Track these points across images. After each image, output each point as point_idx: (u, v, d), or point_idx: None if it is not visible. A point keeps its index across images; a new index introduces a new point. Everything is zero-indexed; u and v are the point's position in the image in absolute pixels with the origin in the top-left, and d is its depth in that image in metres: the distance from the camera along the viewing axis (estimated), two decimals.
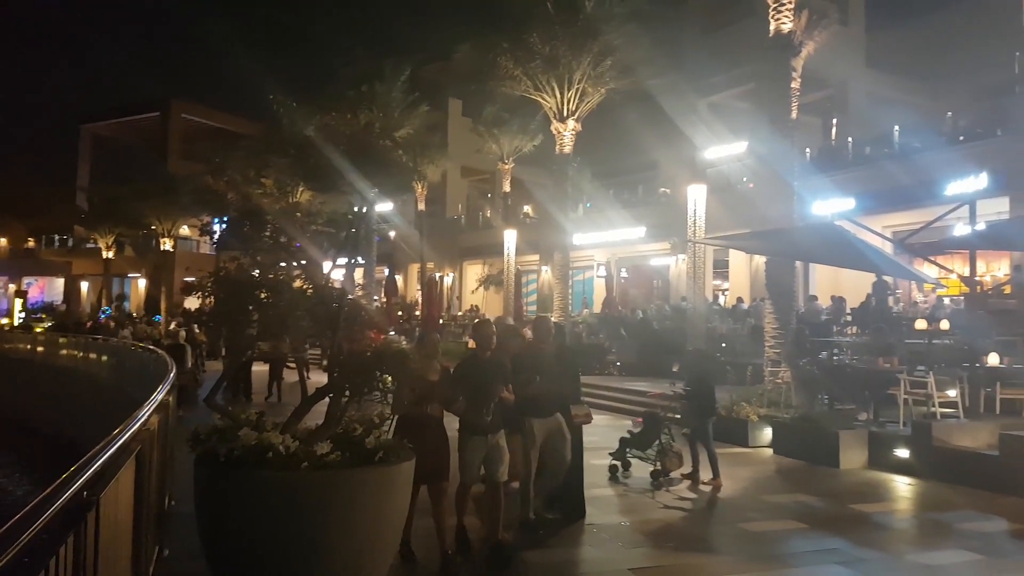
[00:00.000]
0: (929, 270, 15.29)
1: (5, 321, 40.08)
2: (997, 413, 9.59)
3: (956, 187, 16.31)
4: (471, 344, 16.30)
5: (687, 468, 8.41)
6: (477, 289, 33.96)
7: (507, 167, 28.78)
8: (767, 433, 10.64)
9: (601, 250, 28.45)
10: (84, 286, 47.45)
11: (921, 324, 11.34)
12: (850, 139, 21.75)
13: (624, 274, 30.09)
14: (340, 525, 4.26)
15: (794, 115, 13.28)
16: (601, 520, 6.69)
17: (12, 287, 46.15)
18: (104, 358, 18.43)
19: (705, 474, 8.27)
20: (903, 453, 9.01)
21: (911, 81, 25.07)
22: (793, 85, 13.14)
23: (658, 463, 8.39)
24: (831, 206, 18.42)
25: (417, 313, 28.08)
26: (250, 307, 5.09)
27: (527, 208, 32.43)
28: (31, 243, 50.51)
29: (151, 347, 15.37)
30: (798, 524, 6.78)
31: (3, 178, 51.02)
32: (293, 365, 14.91)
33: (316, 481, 4.29)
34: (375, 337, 7.38)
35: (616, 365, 19.08)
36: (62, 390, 20.22)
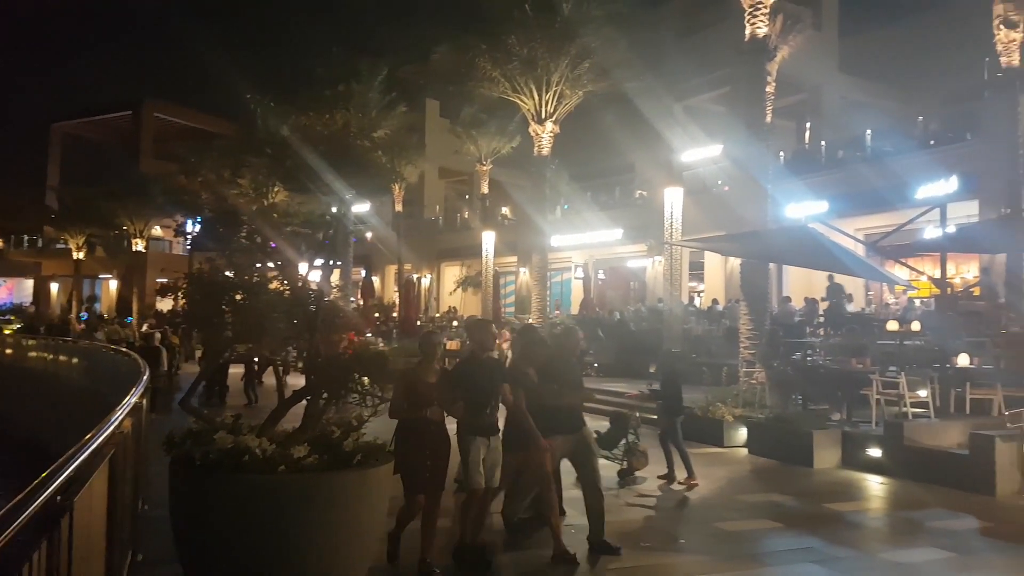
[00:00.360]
0: (900, 272, 15.55)
1: None
2: (967, 413, 9.76)
3: (927, 190, 16.61)
4: (450, 345, 16.29)
5: (663, 469, 8.46)
6: (455, 291, 33.90)
7: (485, 168, 28.79)
8: (742, 433, 10.74)
9: (579, 252, 28.55)
10: (54, 287, 46.70)
11: (893, 325, 11.52)
12: (823, 143, 22.05)
13: (602, 276, 30.21)
14: (318, 529, 4.24)
15: (769, 119, 13.44)
16: (577, 521, 6.70)
17: None
18: (76, 360, 18.14)
19: (680, 474, 8.34)
20: (875, 452, 9.15)
21: (883, 86, 25.48)
22: (768, 89, 13.29)
23: (625, 462, 8.43)
24: (804, 209, 18.66)
25: (394, 315, 27.96)
26: (225, 309, 5.05)
27: (505, 210, 32.45)
28: None
29: (124, 349, 15.14)
30: (773, 523, 6.85)
31: None
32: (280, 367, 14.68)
33: (293, 485, 4.27)
34: (352, 339, 7.34)
35: (593, 366, 19.15)
36: (33, 393, 19.86)
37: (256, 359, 14.71)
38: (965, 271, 18.36)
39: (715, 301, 22.28)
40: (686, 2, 26.79)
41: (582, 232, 27.03)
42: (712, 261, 24.63)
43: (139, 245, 38.58)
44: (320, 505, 4.28)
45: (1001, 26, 14.58)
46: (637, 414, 9.08)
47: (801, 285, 19.55)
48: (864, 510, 7.67)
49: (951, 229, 12.97)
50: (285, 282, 5.25)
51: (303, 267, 5.68)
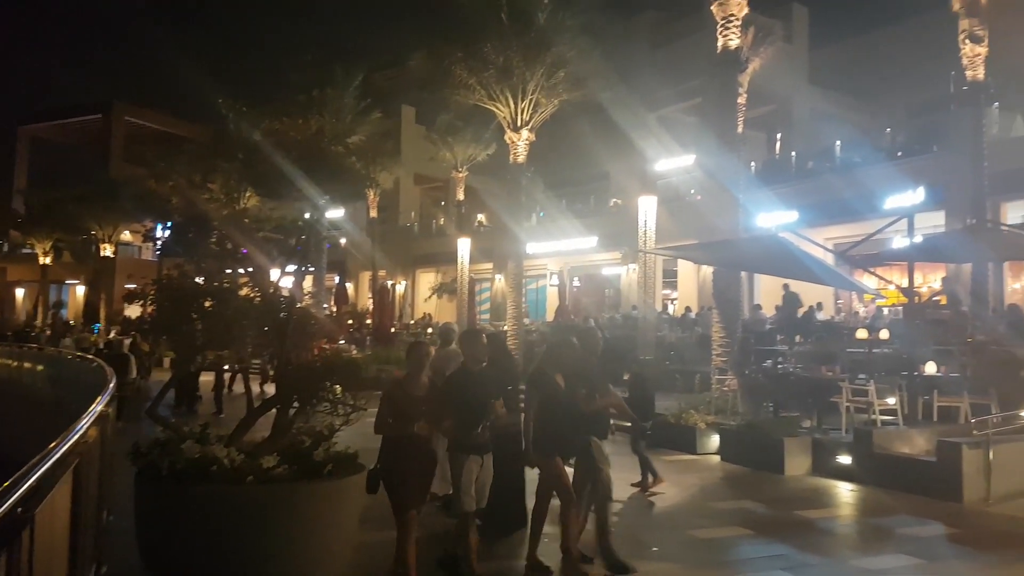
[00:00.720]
0: (869, 281, 15.78)
1: None
2: (934, 420, 9.92)
3: (894, 201, 16.91)
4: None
5: (636, 477, 8.46)
6: (430, 297, 33.81)
7: (461, 175, 28.78)
8: (715, 440, 10.79)
9: (554, 259, 28.64)
10: (19, 293, 45.73)
11: (862, 333, 11.69)
12: (793, 153, 22.39)
13: (576, 283, 30.33)
14: (287, 541, 4.18)
15: (740, 129, 13.59)
16: (547, 529, 6.66)
17: None
18: (41, 368, 17.76)
19: (645, 479, 8.31)
20: (845, 459, 9.25)
21: (851, 98, 25.96)
22: (739, 100, 13.45)
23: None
24: (775, 218, 18.90)
25: (368, 322, 27.78)
26: (194, 316, 4.98)
27: (481, 216, 32.45)
28: None
29: (91, 356, 14.85)
30: (745, 530, 6.90)
31: None
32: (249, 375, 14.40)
33: (262, 495, 4.21)
34: (325, 346, 7.28)
35: None
36: None
37: (226, 367, 14.54)
38: (932, 280, 18.71)
39: (688, 309, 22.46)
40: (660, 14, 27.13)
41: (557, 239, 27.13)
42: (685, 269, 24.85)
43: (107, 250, 37.94)
44: (290, 516, 4.23)
45: (967, 41, 14.90)
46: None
47: (773, 293, 19.79)
48: (834, 517, 7.75)
49: (918, 239, 13.19)
50: (256, 288, 5.19)
51: (275, 273, 5.61)
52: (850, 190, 17.90)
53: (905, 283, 11.95)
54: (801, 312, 16.63)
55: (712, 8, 13.38)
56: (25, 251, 42.27)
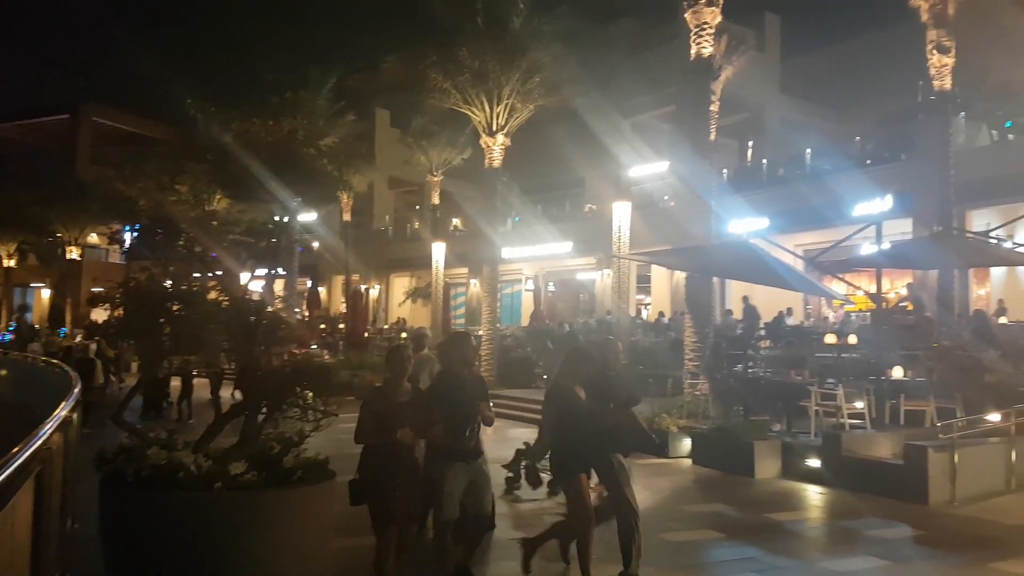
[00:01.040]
0: (838, 287, 16.02)
1: None
2: (901, 424, 10.07)
3: (863, 208, 17.19)
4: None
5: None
6: (404, 302, 33.64)
7: (436, 179, 28.72)
8: (687, 444, 10.87)
9: (529, 264, 28.67)
10: None
11: (831, 338, 11.84)
12: (765, 161, 22.67)
13: (551, 288, 30.40)
14: (256, 548, 4.12)
15: (713, 137, 13.72)
16: (514, 533, 6.65)
17: None
18: (3, 372, 17.38)
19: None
20: (814, 463, 9.36)
21: (822, 106, 26.37)
22: (712, 108, 13.58)
23: (522, 473, 8.38)
24: (746, 225, 19.11)
25: (341, 326, 27.59)
26: (161, 320, 4.89)
27: (456, 221, 32.39)
28: None
29: (55, 361, 14.55)
30: (716, 533, 6.95)
31: None
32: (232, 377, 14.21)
33: (230, 502, 4.15)
34: (296, 351, 7.20)
35: (543, 378, 19.17)
36: None
37: (195, 372, 14.31)
38: (899, 286, 19.03)
39: (661, 314, 22.62)
40: (636, 22, 27.31)
41: (533, 244, 27.19)
42: (659, 274, 25.03)
43: (74, 253, 37.24)
44: (259, 523, 4.17)
45: (934, 51, 15.18)
46: None
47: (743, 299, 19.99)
48: (804, 519, 7.85)
49: (886, 246, 13.42)
50: (224, 292, 5.11)
51: (245, 277, 5.54)
52: (820, 197, 18.16)
53: (873, 289, 12.15)
54: (764, 323, 16.88)
55: (686, 16, 13.50)
56: None
